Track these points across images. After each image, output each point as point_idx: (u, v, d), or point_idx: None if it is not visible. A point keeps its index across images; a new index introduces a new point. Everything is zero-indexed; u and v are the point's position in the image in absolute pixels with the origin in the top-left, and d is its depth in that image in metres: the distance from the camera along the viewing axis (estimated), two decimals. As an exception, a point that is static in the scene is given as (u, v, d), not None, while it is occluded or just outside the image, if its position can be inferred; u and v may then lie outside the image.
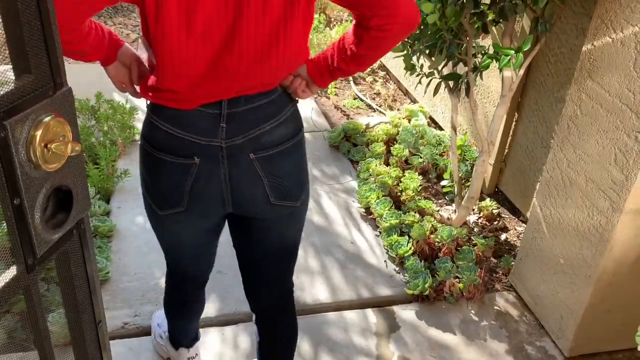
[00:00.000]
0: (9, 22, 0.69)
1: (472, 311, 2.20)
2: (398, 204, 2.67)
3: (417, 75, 2.38)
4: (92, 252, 0.92)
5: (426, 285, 2.19)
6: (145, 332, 2.01)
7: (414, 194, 2.68)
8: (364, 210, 2.71)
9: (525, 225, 2.60)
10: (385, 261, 2.41)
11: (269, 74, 1.22)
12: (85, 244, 0.89)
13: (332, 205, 2.76)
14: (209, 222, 1.40)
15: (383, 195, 2.66)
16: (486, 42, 2.72)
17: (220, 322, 2.08)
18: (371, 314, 2.16)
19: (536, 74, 2.48)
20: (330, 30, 4.59)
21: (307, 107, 3.64)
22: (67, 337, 1.00)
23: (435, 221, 2.49)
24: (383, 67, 4.26)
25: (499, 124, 2.32)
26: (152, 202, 1.36)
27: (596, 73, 1.77)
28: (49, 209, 0.81)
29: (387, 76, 4.20)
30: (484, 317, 2.17)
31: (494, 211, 2.68)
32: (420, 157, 2.97)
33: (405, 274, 2.30)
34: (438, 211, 2.66)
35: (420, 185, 2.74)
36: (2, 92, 0.69)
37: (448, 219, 2.58)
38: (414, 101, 3.78)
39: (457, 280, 2.24)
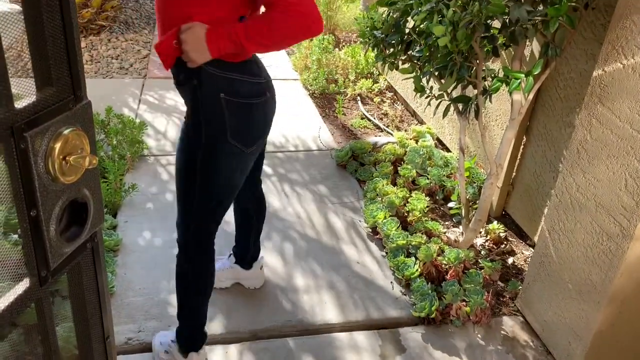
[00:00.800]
0: (33, 36, 0.70)
1: (479, 335, 2.17)
2: (405, 225, 2.66)
3: (427, 97, 2.39)
4: (104, 265, 0.92)
5: (433, 308, 2.17)
6: (149, 348, 1.99)
7: (421, 215, 2.67)
8: (370, 230, 2.70)
9: (532, 249, 2.58)
10: (391, 282, 2.39)
11: None
12: (97, 258, 0.89)
13: (339, 224, 2.75)
14: None
15: (390, 216, 2.66)
16: (496, 65, 2.74)
17: (225, 340, 2.06)
18: (377, 336, 2.13)
19: (545, 98, 2.49)
20: (340, 51, 4.63)
21: (314, 126, 3.66)
22: (69, 352, 0.99)
23: (442, 243, 2.47)
24: (391, 89, 4.29)
25: (507, 147, 2.32)
26: (241, 144, 1.57)
27: (607, 98, 1.77)
28: (64, 221, 0.81)
29: (395, 97, 4.22)
30: (491, 342, 2.15)
31: (501, 234, 2.67)
32: (428, 178, 2.96)
33: (412, 296, 2.29)
34: (445, 233, 2.65)
35: (427, 207, 2.74)
36: (24, 104, 0.70)
37: (455, 241, 2.57)
38: (421, 122, 3.80)
39: (464, 303, 2.22)
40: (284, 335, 2.10)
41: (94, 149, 0.82)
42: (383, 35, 2.37)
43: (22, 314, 0.79)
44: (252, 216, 2.12)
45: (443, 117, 2.35)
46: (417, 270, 2.34)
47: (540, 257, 2.14)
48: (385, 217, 2.64)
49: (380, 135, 3.65)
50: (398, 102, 4.15)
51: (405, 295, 2.33)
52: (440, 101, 2.34)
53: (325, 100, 4.13)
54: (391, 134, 3.64)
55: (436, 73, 2.26)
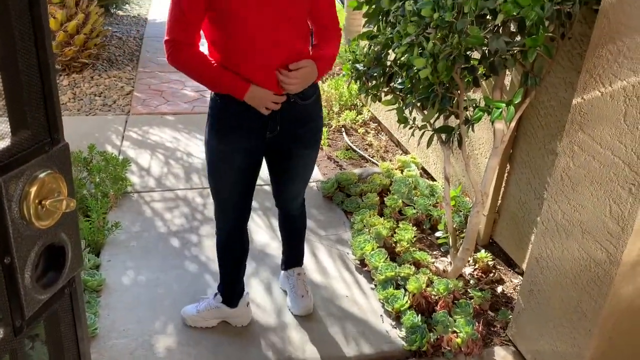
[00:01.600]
0: (8, 79, 0.69)
1: (471, 367, 2.14)
2: (393, 256, 2.64)
3: (410, 128, 2.41)
4: (83, 311, 0.88)
5: (424, 341, 2.14)
6: (133, 392, 1.93)
7: (408, 245, 2.65)
8: (358, 262, 2.67)
9: (521, 277, 2.57)
10: (381, 315, 2.36)
11: None
12: (76, 303, 0.86)
13: (327, 256, 2.72)
14: None
15: (378, 247, 2.64)
16: (477, 95, 2.78)
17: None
18: (368, 371, 2.09)
19: (527, 126, 2.52)
20: (323, 84, 4.66)
21: (300, 159, 3.65)
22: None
23: (431, 273, 2.45)
24: (375, 119, 4.32)
25: (491, 175, 2.33)
26: None
27: (587, 126, 1.80)
28: (40, 266, 0.78)
29: (379, 127, 4.25)
30: (484, 373, 2.11)
31: (490, 263, 2.66)
32: (414, 208, 2.96)
33: (402, 329, 2.25)
34: (433, 263, 2.63)
35: (414, 237, 2.72)
36: (-2, 148, 0.68)
37: (444, 271, 2.55)
38: (405, 152, 3.82)
39: (455, 334, 2.19)
40: (272, 374, 2.05)
41: (72, 191, 0.80)
42: (365, 68, 2.39)
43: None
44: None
45: (427, 147, 2.36)
46: (406, 302, 2.31)
47: (530, 285, 2.13)
48: (373, 249, 2.62)
49: (365, 166, 3.66)
50: (382, 133, 4.18)
51: (395, 328, 2.29)
52: (424, 131, 2.36)
53: (310, 133, 4.13)
54: (376, 164, 3.64)
55: (419, 104, 2.28)
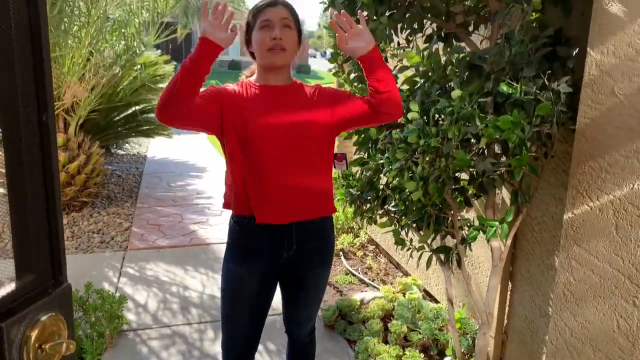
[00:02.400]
0: (17, 224, 0.72)
1: None
2: (401, 386, 2.52)
3: (408, 249, 2.42)
4: None
5: None
6: None
7: (416, 373, 2.54)
8: (365, 395, 2.53)
9: (538, 402, 2.43)
10: None
11: None
12: None
13: (331, 390, 2.58)
14: None
15: (384, 377, 2.52)
16: (471, 214, 2.83)
17: None
18: None
19: (523, 242, 2.54)
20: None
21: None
22: None
23: (442, 403, 2.32)
24: (372, 241, 4.34)
25: (494, 295, 2.30)
26: None
27: (582, 240, 1.82)
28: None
29: (377, 250, 4.25)
30: None
31: (503, 388, 2.53)
32: (420, 333, 2.87)
33: None
34: (444, 391, 2.50)
35: (422, 363, 2.61)
36: (1, 294, 0.68)
37: (456, 399, 2.42)
38: (406, 274, 3.78)
39: None
40: None
41: (72, 333, 0.79)
42: (359, 193, 2.46)
43: None
44: None
45: (427, 269, 2.36)
46: None
47: (548, 411, 2.01)
48: (379, 379, 2.50)
49: (366, 290, 3.60)
50: (381, 255, 4.18)
51: None
52: (422, 253, 2.37)
53: (308, 259, 4.12)
54: (377, 289, 3.59)
55: (414, 225, 2.31)
